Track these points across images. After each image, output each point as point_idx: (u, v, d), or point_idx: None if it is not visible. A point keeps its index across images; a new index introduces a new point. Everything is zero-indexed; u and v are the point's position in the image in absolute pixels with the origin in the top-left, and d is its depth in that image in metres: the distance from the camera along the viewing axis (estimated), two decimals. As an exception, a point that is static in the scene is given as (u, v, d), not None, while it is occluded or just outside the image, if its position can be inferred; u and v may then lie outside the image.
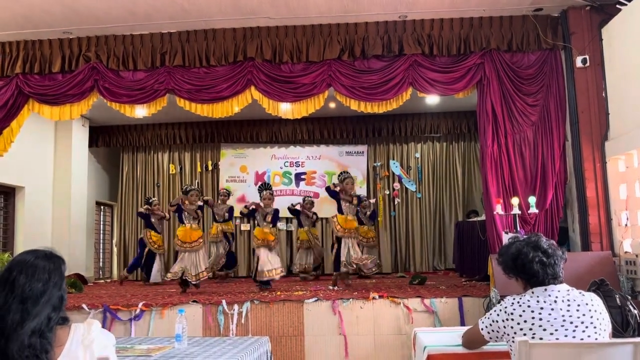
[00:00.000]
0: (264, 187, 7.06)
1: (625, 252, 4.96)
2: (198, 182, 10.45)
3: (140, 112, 6.32)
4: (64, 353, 1.75)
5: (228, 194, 9.07)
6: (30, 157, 8.50)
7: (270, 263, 6.56)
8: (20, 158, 7.92)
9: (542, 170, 5.62)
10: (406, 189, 10.36)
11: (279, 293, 5.81)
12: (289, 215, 9.26)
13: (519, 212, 5.07)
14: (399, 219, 10.27)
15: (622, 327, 3.00)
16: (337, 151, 10.43)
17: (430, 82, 5.78)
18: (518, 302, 2.25)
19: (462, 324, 4.94)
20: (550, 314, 2.17)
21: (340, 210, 6.80)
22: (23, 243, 8.14)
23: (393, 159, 10.48)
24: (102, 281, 9.79)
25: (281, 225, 9.79)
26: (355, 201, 6.87)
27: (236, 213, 8.70)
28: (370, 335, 5.05)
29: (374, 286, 6.51)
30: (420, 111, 9.90)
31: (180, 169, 10.69)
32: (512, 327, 2.22)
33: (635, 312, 3.07)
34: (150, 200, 8.77)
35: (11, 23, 5.78)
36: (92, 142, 10.20)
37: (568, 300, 2.20)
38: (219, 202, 8.84)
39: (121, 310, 5.21)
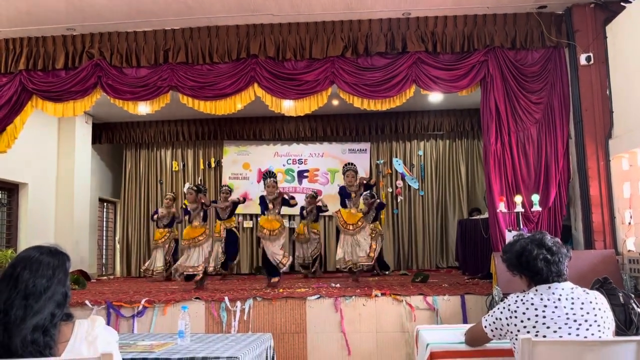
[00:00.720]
0: (268, 174, 7.05)
1: (629, 251, 4.95)
2: (201, 179, 10.46)
3: (143, 109, 6.31)
4: (67, 349, 1.76)
5: (230, 191, 9.07)
6: (34, 154, 8.51)
7: (276, 253, 6.54)
8: (24, 155, 7.93)
9: (545, 168, 5.60)
10: (409, 186, 10.36)
11: (281, 290, 5.82)
12: (290, 212, 9.23)
13: (522, 210, 5.06)
14: (401, 216, 10.27)
15: (625, 325, 3.00)
16: (339, 149, 10.43)
17: (433, 79, 5.77)
18: (522, 300, 2.24)
19: (465, 321, 4.94)
20: (554, 312, 2.16)
21: (343, 205, 6.82)
22: (26, 239, 8.16)
23: (396, 157, 10.48)
24: (105, 277, 9.82)
25: (284, 222, 9.74)
26: (361, 190, 6.92)
27: (238, 210, 8.65)
28: (372, 332, 5.05)
29: (377, 284, 6.52)
30: (424, 109, 9.87)
31: (183, 166, 10.71)
32: (515, 325, 2.21)
33: (639, 310, 3.06)
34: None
35: (15, 20, 5.79)
36: (95, 139, 10.19)
37: (572, 298, 2.19)
38: (221, 199, 8.83)
39: (124, 306, 5.23)
